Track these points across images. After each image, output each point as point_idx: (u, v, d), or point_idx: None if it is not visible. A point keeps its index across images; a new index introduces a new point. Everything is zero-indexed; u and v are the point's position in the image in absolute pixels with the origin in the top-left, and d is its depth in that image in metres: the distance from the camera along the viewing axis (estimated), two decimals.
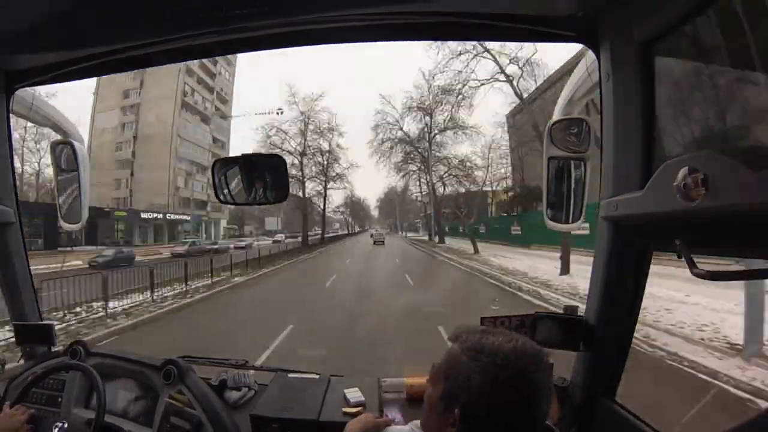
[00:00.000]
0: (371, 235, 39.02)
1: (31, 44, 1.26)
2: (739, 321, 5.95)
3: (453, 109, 28.73)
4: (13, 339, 1.84)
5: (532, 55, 23.15)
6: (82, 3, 1.06)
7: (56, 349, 1.84)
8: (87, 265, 19.93)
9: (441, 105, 29.38)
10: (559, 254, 15.33)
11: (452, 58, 24.88)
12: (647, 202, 1.00)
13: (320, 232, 38.32)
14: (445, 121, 30.06)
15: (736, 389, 4.67)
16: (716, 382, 4.87)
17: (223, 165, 1.44)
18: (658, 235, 1.08)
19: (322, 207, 35.35)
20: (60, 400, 1.63)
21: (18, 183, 1.72)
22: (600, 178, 1.27)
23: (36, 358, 1.79)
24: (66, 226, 1.75)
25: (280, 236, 44.15)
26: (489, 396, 0.73)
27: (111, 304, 9.75)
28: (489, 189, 32.78)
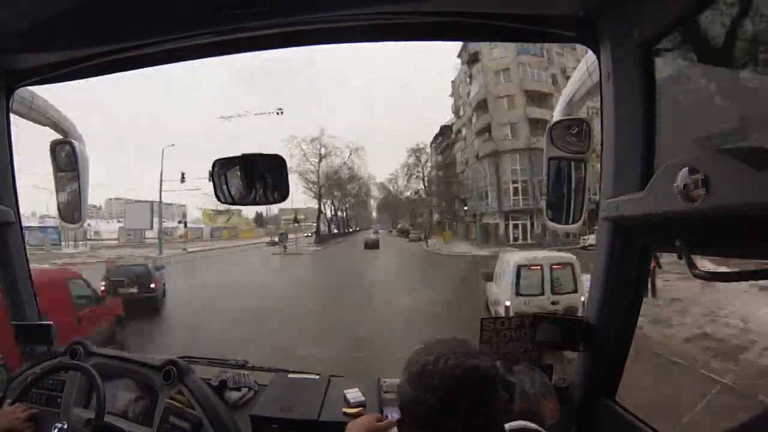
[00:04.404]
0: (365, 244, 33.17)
1: (32, 44, 1.26)
2: None
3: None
4: None
5: None
6: (82, 3, 1.06)
7: (56, 349, 1.83)
8: None
9: None
10: None
11: None
12: (648, 202, 1.00)
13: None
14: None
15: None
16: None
17: (223, 165, 1.44)
18: (659, 235, 1.08)
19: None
20: (60, 400, 1.63)
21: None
22: (600, 179, 1.27)
23: (36, 358, 1.79)
24: (66, 225, 1.75)
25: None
26: (417, 399, 0.77)
27: None
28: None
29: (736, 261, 0.88)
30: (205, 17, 1.13)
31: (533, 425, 1.00)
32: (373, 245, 31.34)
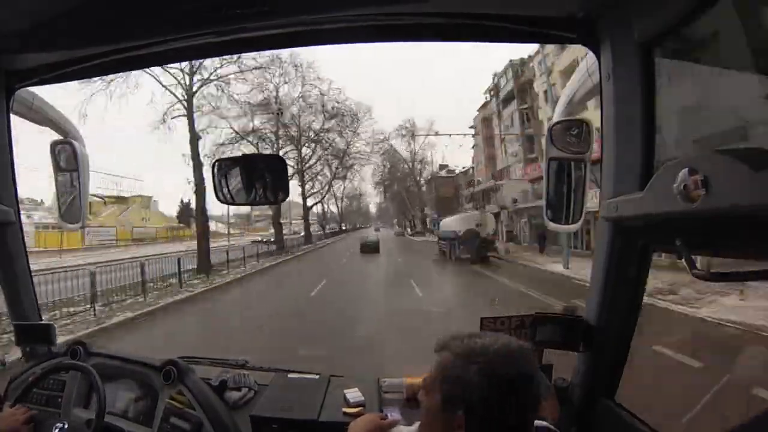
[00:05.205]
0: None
1: (32, 44, 1.26)
2: None
3: None
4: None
5: None
6: (82, 3, 1.06)
7: (56, 349, 1.83)
8: None
9: None
10: None
11: None
12: (647, 203, 1.00)
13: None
14: None
15: None
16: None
17: (224, 165, 1.44)
18: (659, 235, 1.08)
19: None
20: (60, 400, 1.63)
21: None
22: (600, 179, 1.27)
23: (36, 358, 1.79)
24: (65, 225, 1.74)
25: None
26: (489, 393, 0.76)
27: None
28: None
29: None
30: (205, 17, 1.13)
31: (544, 422, 1.00)
32: (372, 248, 24.02)
